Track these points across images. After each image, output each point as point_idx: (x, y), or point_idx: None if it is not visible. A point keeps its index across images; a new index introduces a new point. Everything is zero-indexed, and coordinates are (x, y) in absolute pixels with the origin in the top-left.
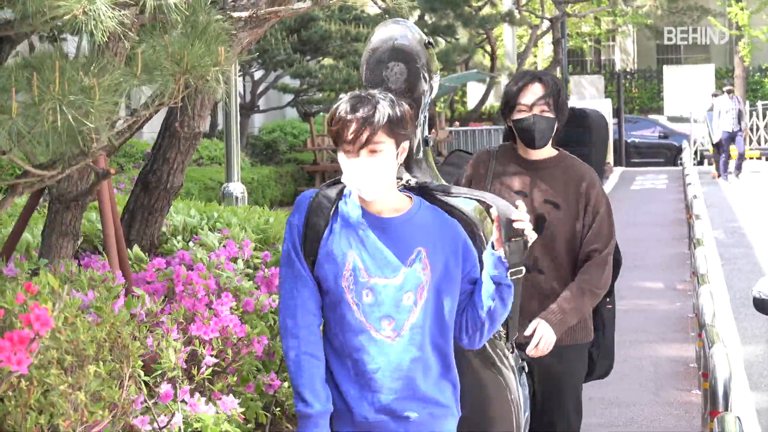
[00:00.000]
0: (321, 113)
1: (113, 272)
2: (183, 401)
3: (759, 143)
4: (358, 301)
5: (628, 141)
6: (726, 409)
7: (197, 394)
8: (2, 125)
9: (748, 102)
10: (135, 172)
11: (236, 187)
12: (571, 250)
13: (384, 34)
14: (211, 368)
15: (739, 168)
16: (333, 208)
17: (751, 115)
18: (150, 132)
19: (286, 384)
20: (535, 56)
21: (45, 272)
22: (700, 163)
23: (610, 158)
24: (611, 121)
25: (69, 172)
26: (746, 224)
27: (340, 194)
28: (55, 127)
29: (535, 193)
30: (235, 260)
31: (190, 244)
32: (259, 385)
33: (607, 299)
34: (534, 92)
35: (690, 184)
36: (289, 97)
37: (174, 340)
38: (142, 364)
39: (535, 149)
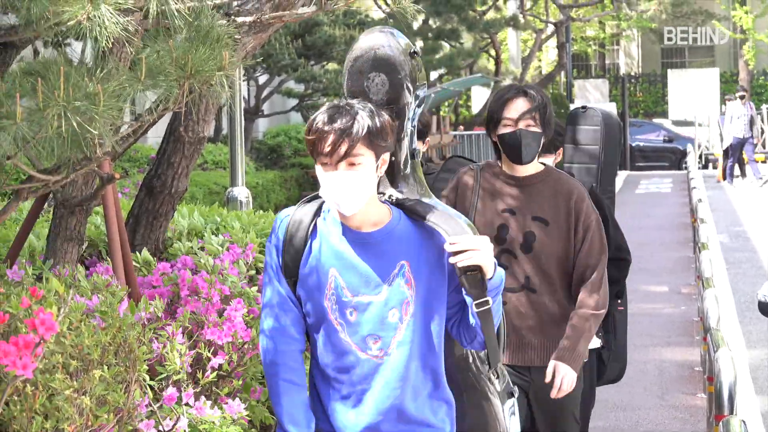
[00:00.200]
0: None
1: (118, 277)
2: (187, 405)
3: (763, 146)
4: (342, 320)
5: (633, 145)
6: (731, 412)
7: (203, 398)
8: (7, 130)
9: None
10: (139, 176)
11: (241, 192)
12: (563, 268)
13: (366, 42)
14: (216, 372)
15: (743, 173)
16: (311, 226)
17: None
18: (155, 137)
19: None
20: (540, 60)
21: (50, 277)
22: (705, 166)
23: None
24: None
25: (73, 177)
26: (751, 228)
27: (318, 211)
28: (60, 132)
29: (522, 211)
30: (238, 263)
31: (195, 247)
32: (266, 389)
33: (618, 301)
34: (519, 106)
35: (695, 187)
36: (293, 102)
37: (179, 344)
38: (147, 368)
39: (521, 165)
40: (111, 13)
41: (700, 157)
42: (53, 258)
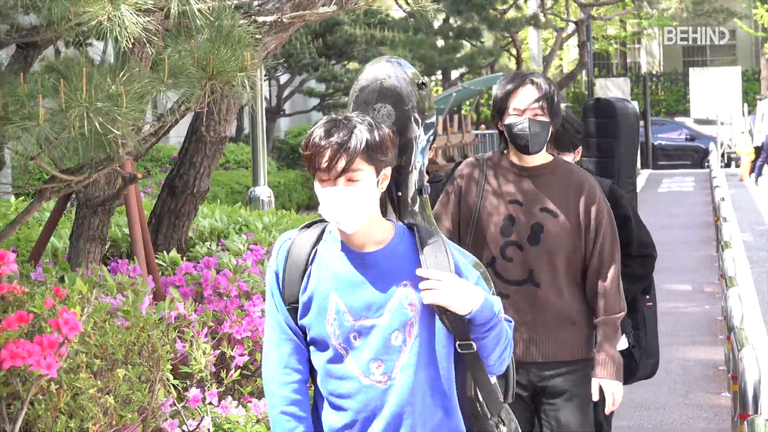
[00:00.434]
0: None
1: (142, 276)
2: (211, 404)
3: None
4: (345, 345)
5: (655, 144)
6: (756, 411)
7: (229, 398)
8: (30, 131)
9: None
10: (162, 176)
11: (263, 191)
12: (570, 261)
13: (372, 72)
14: (239, 371)
15: None
16: (312, 250)
17: None
18: (176, 136)
19: None
20: (561, 59)
21: (73, 277)
22: (727, 165)
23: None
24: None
25: (96, 177)
26: None
27: (321, 235)
28: (83, 132)
29: (530, 202)
30: (261, 263)
31: (216, 249)
32: None
33: (647, 296)
34: (526, 95)
35: (717, 186)
36: (314, 101)
37: (203, 343)
38: (170, 367)
39: (529, 155)
40: (131, 13)
41: (723, 155)
42: (76, 258)
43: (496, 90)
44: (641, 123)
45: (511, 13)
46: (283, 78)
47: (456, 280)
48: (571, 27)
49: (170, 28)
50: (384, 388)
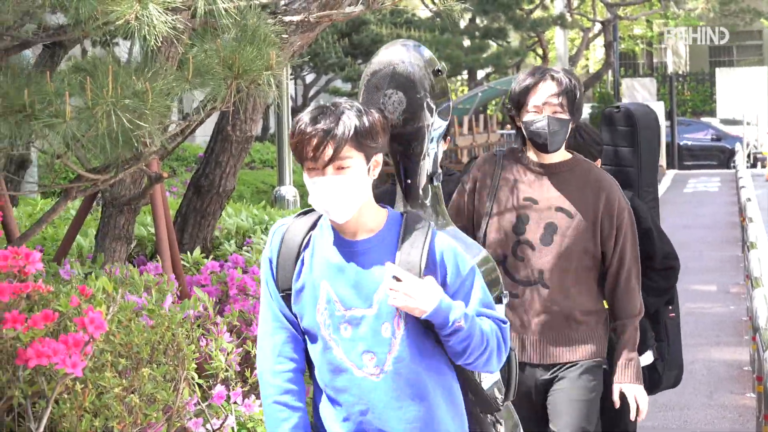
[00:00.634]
0: None
1: (167, 275)
2: (235, 403)
3: None
4: (336, 336)
5: (681, 144)
6: None
7: (252, 396)
8: (56, 129)
9: None
10: (187, 175)
11: (288, 191)
12: (582, 263)
13: (385, 56)
14: None
15: None
16: (306, 238)
17: None
18: (202, 136)
19: None
20: (587, 59)
21: (99, 275)
22: (753, 165)
23: (662, 161)
24: (664, 123)
25: (122, 176)
26: None
27: (316, 222)
28: (109, 131)
29: (545, 200)
30: None
31: (243, 247)
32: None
33: (670, 307)
34: (546, 90)
35: (743, 186)
36: None
37: (227, 342)
38: (195, 366)
39: (547, 153)
40: (159, 12)
41: (749, 155)
42: (102, 257)
43: (515, 84)
44: (667, 123)
45: (538, 13)
46: (309, 77)
47: (412, 283)
48: (598, 27)
49: (197, 27)
50: (378, 381)
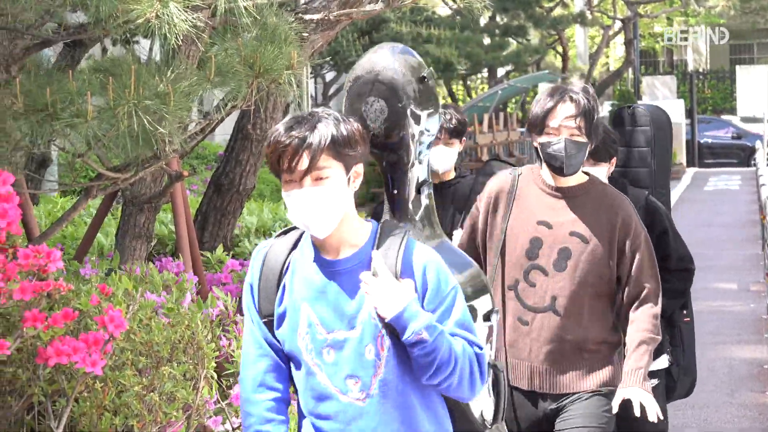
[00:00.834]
0: None
1: (187, 274)
2: None
3: None
4: (319, 360)
5: (701, 142)
6: None
7: None
8: (78, 129)
9: None
10: (207, 174)
11: None
12: (596, 290)
13: (369, 62)
14: None
15: None
16: (287, 258)
17: None
18: (222, 134)
19: None
20: (607, 57)
21: (119, 274)
22: None
23: (683, 159)
24: (684, 121)
25: (142, 175)
26: None
27: (297, 243)
28: (130, 130)
29: (559, 224)
30: None
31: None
32: None
33: (684, 311)
34: (563, 113)
35: (763, 184)
36: None
37: None
38: (215, 365)
39: (563, 177)
40: (179, 10)
41: None
42: (122, 255)
43: (534, 106)
44: (687, 121)
45: (558, 11)
46: (329, 75)
47: (383, 283)
48: (618, 25)
49: (217, 26)
50: (363, 406)
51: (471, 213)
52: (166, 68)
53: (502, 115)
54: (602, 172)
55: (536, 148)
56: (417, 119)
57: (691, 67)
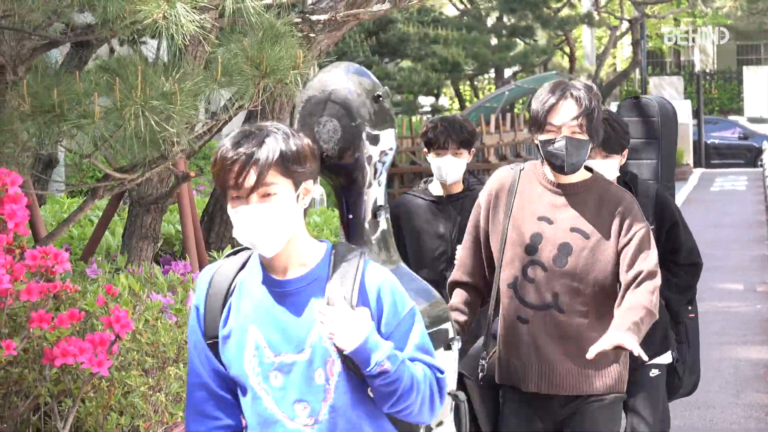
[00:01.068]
0: (399, 115)
1: (192, 274)
2: None
3: None
4: (265, 385)
5: (708, 142)
6: None
7: None
8: (85, 130)
9: None
10: None
11: (315, 190)
12: (598, 286)
13: (322, 82)
14: None
15: None
16: (233, 279)
17: None
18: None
19: None
20: (614, 57)
21: (125, 275)
22: None
23: (689, 159)
24: (690, 122)
25: (149, 176)
26: None
27: (245, 263)
28: (137, 131)
29: (560, 220)
30: None
31: None
32: None
33: (689, 307)
34: (565, 111)
35: None
36: None
37: None
38: None
39: (564, 175)
40: (187, 10)
41: None
42: (129, 256)
43: (535, 103)
44: (694, 122)
45: (565, 11)
46: None
47: (340, 314)
48: (625, 25)
49: (224, 27)
50: None
51: (473, 212)
52: (173, 69)
53: (509, 115)
54: (614, 164)
55: (537, 146)
56: (374, 140)
57: (698, 68)
